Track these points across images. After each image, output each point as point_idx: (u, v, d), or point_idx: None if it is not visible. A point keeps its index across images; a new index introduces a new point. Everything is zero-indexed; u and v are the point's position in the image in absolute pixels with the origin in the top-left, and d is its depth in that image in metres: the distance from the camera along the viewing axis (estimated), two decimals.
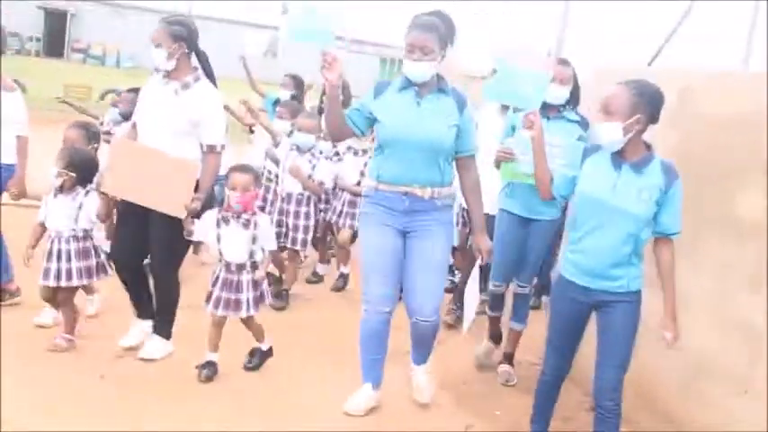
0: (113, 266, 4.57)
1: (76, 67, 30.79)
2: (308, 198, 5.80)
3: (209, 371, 4.32)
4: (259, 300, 4.34)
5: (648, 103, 3.28)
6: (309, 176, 5.74)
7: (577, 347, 3.66)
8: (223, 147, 4.43)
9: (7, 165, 4.89)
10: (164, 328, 4.60)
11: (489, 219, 4.58)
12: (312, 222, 5.85)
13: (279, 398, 4.23)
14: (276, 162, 6.01)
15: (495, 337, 5.01)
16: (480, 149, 4.14)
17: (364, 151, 6.10)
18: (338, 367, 4.63)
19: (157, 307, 4.63)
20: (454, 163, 3.98)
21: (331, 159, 6.02)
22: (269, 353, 4.62)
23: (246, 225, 4.22)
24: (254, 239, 4.24)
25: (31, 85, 17.19)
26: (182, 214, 4.20)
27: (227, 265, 4.27)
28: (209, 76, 4.46)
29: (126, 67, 34.69)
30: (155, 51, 4.28)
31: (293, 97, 7.27)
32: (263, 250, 4.31)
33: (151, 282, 4.65)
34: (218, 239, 4.24)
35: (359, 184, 6.02)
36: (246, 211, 4.22)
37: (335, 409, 4.12)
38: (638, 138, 3.33)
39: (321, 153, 5.91)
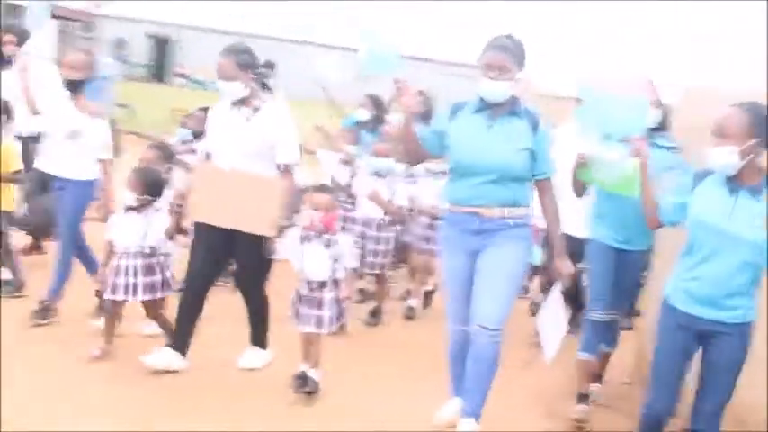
0: (184, 285, 4.66)
1: (180, 91, 31.97)
2: (390, 222, 5.84)
3: (304, 384, 4.37)
4: (339, 317, 4.44)
5: (765, 125, 3.17)
6: (389, 201, 5.78)
7: (684, 381, 3.46)
8: (298, 164, 4.57)
9: (86, 181, 5.07)
10: (260, 338, 4.82)
11: (571, 240, 4.38)
12: (392, 246, 5.89)
13: (372, 412, 4.32)
14: (341, 187, 6.02)
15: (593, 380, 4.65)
16: (558, 170, 4.05)
17: (443, 173, 5.84)
18: (427, 381, 4.66)
19: (251, 321, 4.81)
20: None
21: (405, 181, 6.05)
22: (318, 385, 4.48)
23: (328, 244, 4.30)
24: (335, 258, 4.32)
25: (141, 109, 18.59)
26: (273, 233, 4.30)
27: (309, 283, 4.36)
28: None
29: None
30: (225, 84, 4.37)
31: (373, 117, 7.13)
32: (345, 269, 4.39)
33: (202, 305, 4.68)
34: (301, 257, 4.32)
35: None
36: (328, 231, 4.30)
37: (425, 421, 4.19)
38: (755, 161, 3.22)
39: (398, 176, 5.96)
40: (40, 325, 5.02)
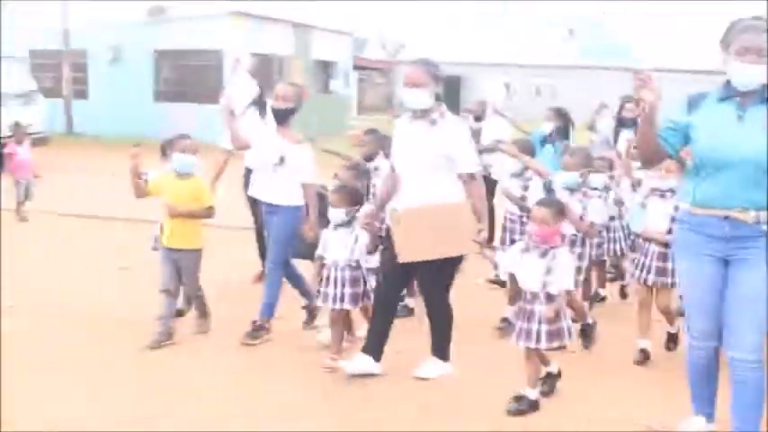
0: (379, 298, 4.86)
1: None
2: (582, 239, 5.59)
3: (519, 405, 4.34)
4: (555, 335, 4.28)
5: None
6: (581, 217, 5.51)
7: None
8: (480, 174, 4.80)
9: (294, 206, 5.35)
10: (440, 349, 4.82)
11: None
12: (586, 263, 5.69)
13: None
14: (519, 204, 6.17)
15: None
16: None
17: (672, 191, 5.20)
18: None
19: (432, 329, 4.83)
20: None
21: (605, 197, 5.91)
22: (558, 376, 4.62)
23: (544, 255, 4.26)
24: (548, 270, 4.22)
25: None
26: (473, 250, 4.65)
27: (524, 294, 4.34)
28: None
29: None
30: (415, 92, 4.58)
31: (558, 129, 7.32)
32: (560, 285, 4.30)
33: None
34: (519, 269, 4.36)
35: (670, 232, 5.03)
36: (546, 244, 4.28)
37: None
38: None
39: (594, 190, 5.78)
40: (250, 345, 5.28)
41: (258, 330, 5.35)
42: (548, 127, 7.34)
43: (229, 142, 6.01)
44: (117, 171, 7.68)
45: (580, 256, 5.55)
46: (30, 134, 11.09)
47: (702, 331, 3.67)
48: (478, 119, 9.37)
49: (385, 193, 4.89)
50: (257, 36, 21.25)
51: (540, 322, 4.26)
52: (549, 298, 4.27)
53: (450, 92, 38.76)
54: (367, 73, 34.84)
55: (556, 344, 4.35)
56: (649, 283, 5.17)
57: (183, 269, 5.29)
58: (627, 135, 8.51)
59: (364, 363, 4.73)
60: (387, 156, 5.68)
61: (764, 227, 3.45)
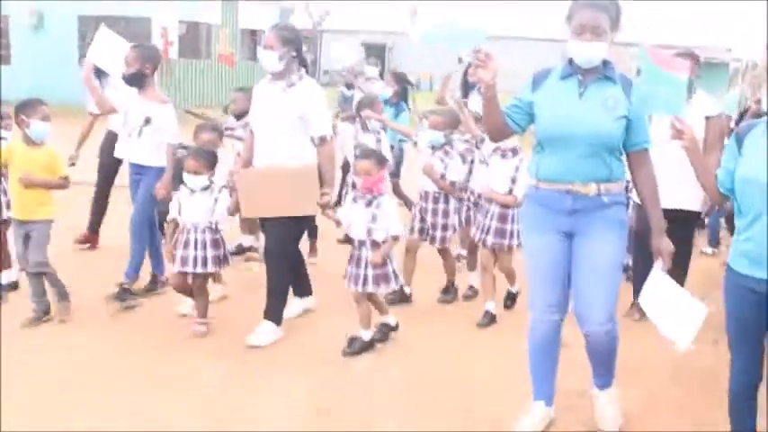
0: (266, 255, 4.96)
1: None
2: (446, 195, 5.66)
3: (353, 346, 4.68)
4: (381, 279, 4.62)
5: None
6: (442, 176, 5.59)
7: (762, 346, 3.25)
8: (332, 137, 4.86)
9: (161, 167, 5.38)
10: (275, 312, 4.89)
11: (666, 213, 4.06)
12: (452, 221, 5.69)
13: (447, 412, 4.03)
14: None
15: None
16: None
17: (514, 151, 5.31)
18: (508, 383, 4.34)
19: (269, 291, 4.90)
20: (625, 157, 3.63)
21: (465, 160, 5.85)
22: (395, 327, 4.90)
23: (369, 204, 4.59)
24: (373, 218, 4.56)
25: None
26: (315, 211, 4.76)
27: (353, 242, 4.71)
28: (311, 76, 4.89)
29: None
30: (266, 54, 4.65)
31: (396, 93, 7.92)
32: (386, 232, 4.59)
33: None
34: (348, 218, 4.69)
35: (510, 192, 5.30)
36: (371, 193, 4.59)
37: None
38: None
39: (455, 150, 5.77)
40: (121, 307, 5.28)
41: (124, 293, 5.37)
42: (388, 91, 7.89)
43: (95, 106, 6.03)
44: None
45: (445, 213, 5.65)
46: None
47: (548, 304, 3.66)
48: (350, 86, 9.85)
49: (245, 153, 5.03)
50: (185, 4, 21.23)
51: (366, 267, 4.58)
52: (375, 244, 4.56)
53: (377, 60, 39.23)
54: None
55: (382, 288, 4.68)
56: (488, 244, 5.27)
57: (32, 240, 4.94)
58: (477, 97, 8.99)
59: (268, 331, 4.82)
60: None
61: (606, 199, 3.50)
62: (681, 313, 3.37)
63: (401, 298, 5.60)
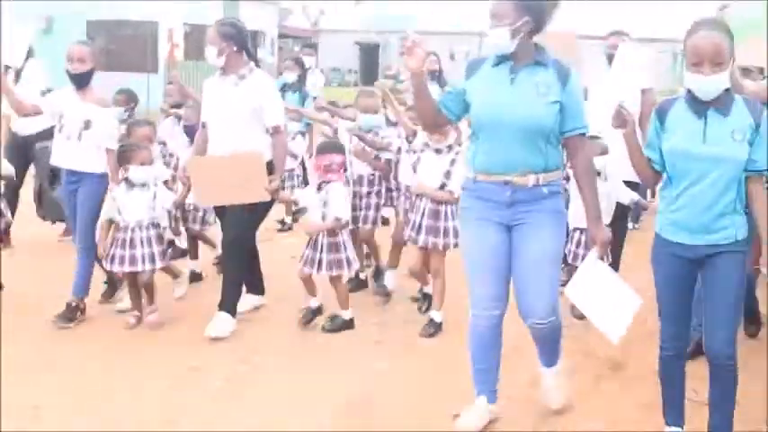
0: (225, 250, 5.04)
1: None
2: (380, 178, 5.66)
3: (334, 323, 4.92)
4: (335, 264, 4.80)
5: None
6: (376, 156, 5.57)
7: (691, 312, 3.36)
8: (285, 126, 5.03)
9: (100, 174, 4.98)
10: (230, 304, 4.91)
11: (631, 186, 4.76)
12: (383, 200, 5.73)
13: (385, 411, 3.91)
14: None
15: None
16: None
17: (449, 147, 4.97)
18: (449, 376, 4.22)
19: (224, 281, 4.98)
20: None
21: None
22: (350, 322, 4.93)
23: (319, 189, 4.88)
24: (324, 203, 4.81)
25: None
26: (265, 198, 4.68)
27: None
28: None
29: None
30: (208, 49, 4.76)
31: (299, 78, 8.41)
32: (334, 217, 4.77)
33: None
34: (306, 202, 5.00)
35: (442, 188, 4.94)
36: (326, 179, 4.82)
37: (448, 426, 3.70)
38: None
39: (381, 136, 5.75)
40: (64, 328, 4.87)
41: (73, 311, 4.97)
42: (291, 76, 8.38)
43: (9, 107, 5.37)
44: None
45: (378, 194, 5.65)
46: None
47: (489, 297, 3.56)
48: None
49: (197, 147, 5.07)
50: (190, 6, 21.92)
51: (321, 251, 4.76)
52: (329, 229, 4.75)
53: (370, 59, 39.80)
54: (285, 41, 35.92)
55: (335, 272, 4.80)
56: (420, 243, 4.94)
57: None
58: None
59: (225, 321, 4.82)
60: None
61: (545, 189, 3.44)
62: (614, 304, 3.41)
63: (358, 285, 5.70)
